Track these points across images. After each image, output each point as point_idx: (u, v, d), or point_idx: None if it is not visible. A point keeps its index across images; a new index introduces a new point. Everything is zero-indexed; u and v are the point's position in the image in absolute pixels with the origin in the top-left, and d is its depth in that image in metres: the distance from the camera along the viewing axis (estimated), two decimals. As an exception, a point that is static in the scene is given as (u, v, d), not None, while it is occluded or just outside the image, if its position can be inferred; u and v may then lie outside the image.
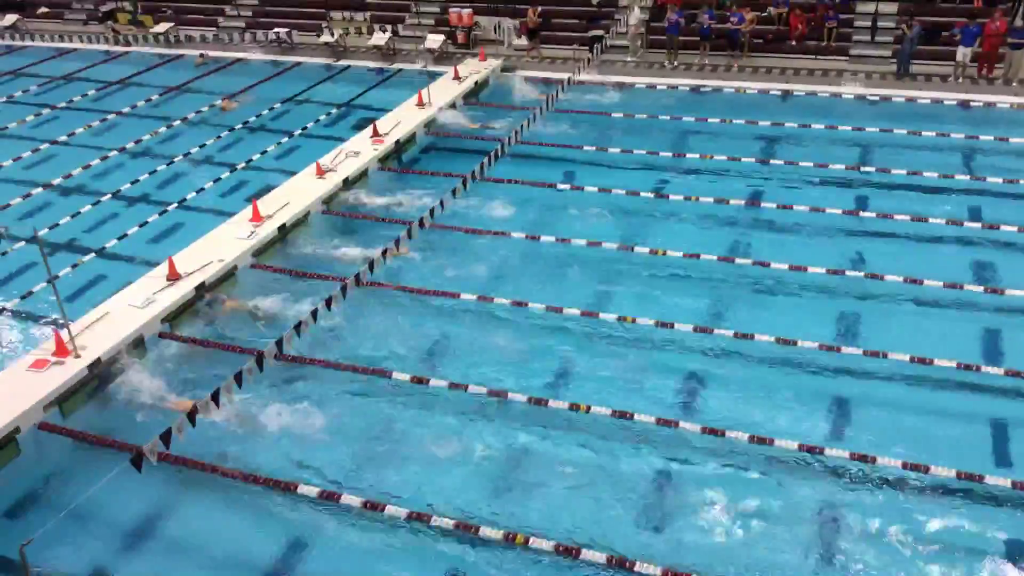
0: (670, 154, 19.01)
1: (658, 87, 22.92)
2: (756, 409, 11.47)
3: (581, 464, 10.76)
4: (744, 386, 11.99)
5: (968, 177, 17.27)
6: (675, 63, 24.56)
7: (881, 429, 11.03)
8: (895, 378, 11.89)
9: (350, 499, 10.25)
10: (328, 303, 13.35)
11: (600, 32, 25.63)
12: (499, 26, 27.10)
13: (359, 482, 10.68)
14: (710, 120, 20.46)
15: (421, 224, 15.86)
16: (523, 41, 26.42)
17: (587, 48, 24.95)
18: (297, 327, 12.74)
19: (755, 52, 24.57)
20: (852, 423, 11.24)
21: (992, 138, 18.74)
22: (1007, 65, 21.95)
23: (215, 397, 11.35)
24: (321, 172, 17.69)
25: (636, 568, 9.15)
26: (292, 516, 10.26)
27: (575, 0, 27.71)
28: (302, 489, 10.42)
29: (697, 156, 18.75)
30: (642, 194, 17.22)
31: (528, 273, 14.90)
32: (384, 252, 14.74)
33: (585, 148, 19.49)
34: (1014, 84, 21.69)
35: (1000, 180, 16.84)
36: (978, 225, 15.41)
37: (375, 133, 19.48)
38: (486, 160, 18.11)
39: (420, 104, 21.16)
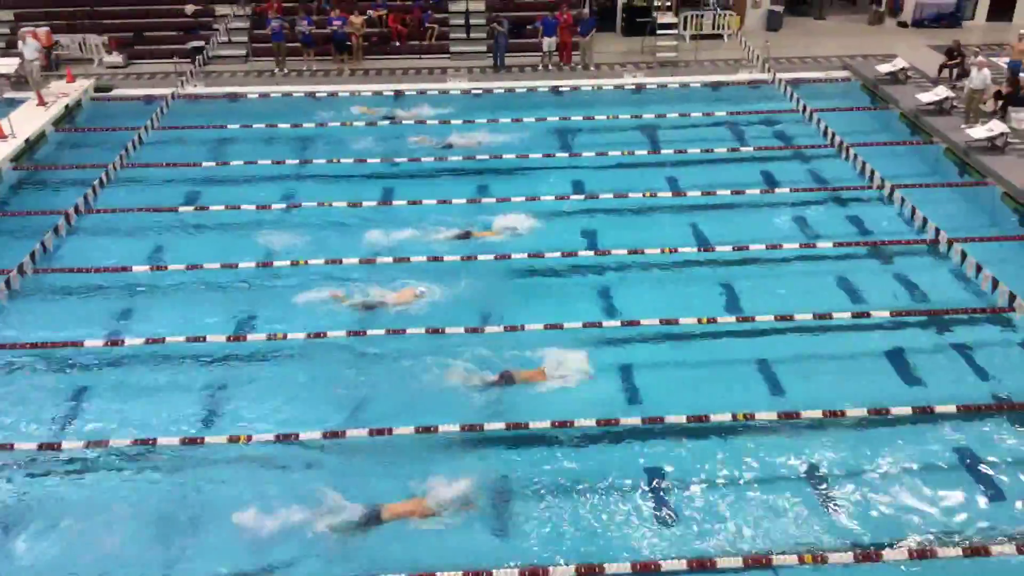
0: (296, 161, 18.80)
1: (272, 95, 22.45)
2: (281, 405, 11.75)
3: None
4: (271, 383, 12.20)
5: (567, 155, 19.18)
6: (285, 70, 24.23)
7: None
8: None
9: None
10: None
11: (200, 43, 24.45)
12: (85, 43, 24.71)
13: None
14: (331, 124, 20.50)
15: (21, 271, 13.99)
16: (115, 58, 24.34)
17: (189, 60, 23.67)
18: None
19: (368, 56, 25.05)
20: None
21: (581, 117, 20.96)
22: (582, 52, 24.71)
23: None
24: None
25: None
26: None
27: (167, 12, 26.22)
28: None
29: (324, 161, 18.75)
30: (274, 207, 16.78)
31: (157, 306, 13.86)
32: (-21, 310, 12.81)
33: (204, 165, 18.55)
34: (591, 68, 24.50)
35: (593, 154, 18.94)
36: (581, 196, 17.20)
37: (-54, 176, 16.80)
38: (91, 191, 16.44)
39: (2, 137, 18.60)
